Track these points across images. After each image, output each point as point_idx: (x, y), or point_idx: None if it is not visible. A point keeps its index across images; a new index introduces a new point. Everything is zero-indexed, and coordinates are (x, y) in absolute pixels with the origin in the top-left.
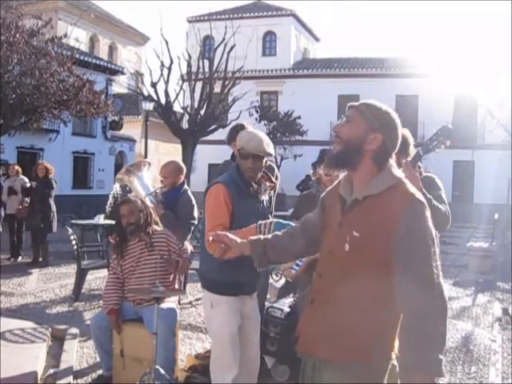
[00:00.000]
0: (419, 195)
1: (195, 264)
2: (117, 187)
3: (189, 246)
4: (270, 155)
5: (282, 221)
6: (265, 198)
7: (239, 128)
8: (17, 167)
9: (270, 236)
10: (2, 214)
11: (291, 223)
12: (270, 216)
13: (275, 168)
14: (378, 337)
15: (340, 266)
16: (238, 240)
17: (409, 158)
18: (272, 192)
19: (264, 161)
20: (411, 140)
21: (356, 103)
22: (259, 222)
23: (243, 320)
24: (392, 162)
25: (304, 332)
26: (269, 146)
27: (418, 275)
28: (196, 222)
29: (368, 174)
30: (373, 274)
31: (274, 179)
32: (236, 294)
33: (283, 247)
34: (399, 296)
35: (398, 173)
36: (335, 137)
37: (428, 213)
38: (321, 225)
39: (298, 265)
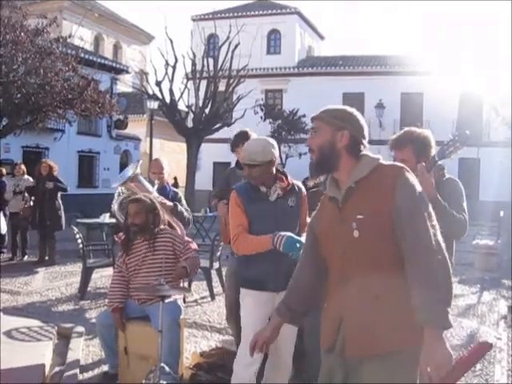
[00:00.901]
0: (401, 165)
1: (201, 262)
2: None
3: (194, 245)
4: (261, 163)
5: (294, 236)
6: (284, 198)
7: (242, 135)
8: (23, 167)
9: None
10: (7, 213)
11: (302, 240)
12: (294, 217)
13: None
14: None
15: (359, 258)
16: (268, 331)
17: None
18: (299, 193)
19: (264, 166)
20: (433, 142)
21: (316, 114)
22: (275, 233)
23: None
24: (367, 151)
25: (353, 334)
26: (257, 154)
27: (418, 237)
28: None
29: (350, 165)
30: (388, 250)
31: (288, 180)
32: (260, 289)
33: (300, 287)
34: (406, 259)
35: (375, 156)
36: (309, 150)
37: (413, 177)
38: (317, 242)
39: None
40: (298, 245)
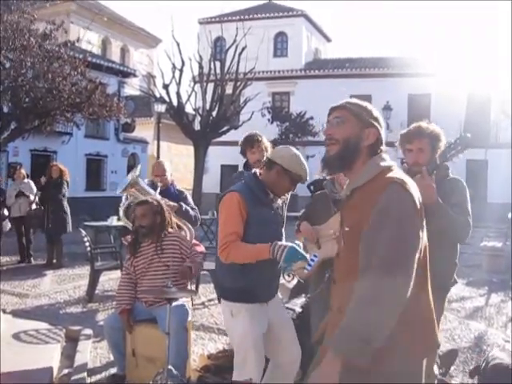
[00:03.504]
0: (398, 178)
1: (208, 265)
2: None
3: (201, 247)
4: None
5: (296, 247)
6: (277, 205)
7: (255, 137)
8: (23, 171)
9: None
10: (6, 214)
11: (304, 253)
12: (283, 224)
13: None
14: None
15: (342, 267)
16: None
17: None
18: (286, 199)
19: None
20: (444, 140)
21: (340, 103)
22: (274, 242)
23: (270, 331)
24: (385, 155)
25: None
26: (308, 174)
27: (372, 257)
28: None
29: (362, 168)
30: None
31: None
32: (254, 301)
33: None
34: (356, 282)
35: (385, 162)
36: (329, 140)
37: (405, 193)
38: None
39: (310, 265)
40: (299, 257)
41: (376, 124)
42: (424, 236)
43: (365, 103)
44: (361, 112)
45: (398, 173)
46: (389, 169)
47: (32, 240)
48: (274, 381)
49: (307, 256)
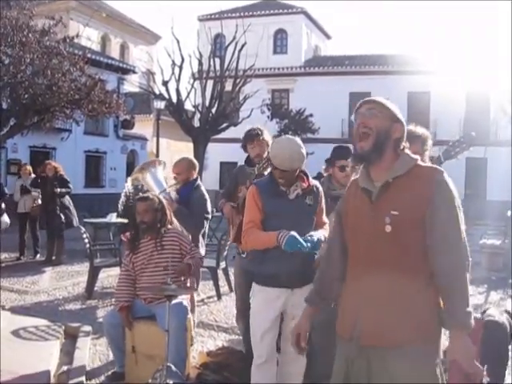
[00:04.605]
0: (443, 171)
1: (207, 262)
2: (129, 186)
3: (202, 248)
4: (297, 168)
5: (297, 236)
6: (303, 196)
7: (256, 132)
8: (28, 167)
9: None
10: (3, 207)
11: (304, 243)
12: (311, 215)
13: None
14: (431, 314)
15: (389, 248)
16: (304, 323)
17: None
18: (317, 192)
19: (297, 170)
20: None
21: (370, 98)
22: (281, 230)
23: (286, 316)
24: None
25: (369, 325)
26: (293, 161)
27: (448, 237)
28: (210, 217)
29: (390, 160)
30: (414, 249)
31: (309, 180)
32: (273, 285)
33: (327, 277)
34: (432, 258)
35: (413, 155)
36: (363, 128)
37: (448, 178)
38: (342, 230)
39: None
40: (298, 245)
41: (401, 121)
42: None
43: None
44: (390, 108)
45: (427, 163)
46: (418, 161)
47: (39, 237)
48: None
49: (306, 246)
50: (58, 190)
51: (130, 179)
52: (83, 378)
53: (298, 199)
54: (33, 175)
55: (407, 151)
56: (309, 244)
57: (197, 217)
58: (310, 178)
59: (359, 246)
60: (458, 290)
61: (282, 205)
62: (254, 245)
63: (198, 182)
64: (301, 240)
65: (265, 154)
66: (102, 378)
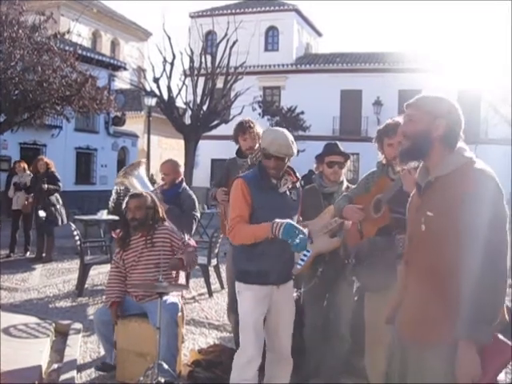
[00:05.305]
0: (488, 171)
1: (199, 259)
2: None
3: (192, 241)
4: (292, 156)
5: (293, 223)
6: (287, 191)
7: (246, 125)
8: (23, 164)
9: None
10: None
11: (301, 228)
12: (295, 211)
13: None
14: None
15: (423, 250)
16: None
17: None
18: (298, 187)
19: (288, 159)
20: None
21: (411, 100)
22: (274, 220)
23: (270, 313)
24: (463, 144)
25: (405, 319)
26: (290, 147)
27: (484, 250)
28: (199, 215)
29: (440, 157)
30: (446, 251)
31: (297, 175)
32: (260, 283)
33: None
34: (464, 269)
35: (468, 153)
36: (403, 136)
37: (497, 187)
38: None
39: (302, 260)
40: (296, 231)
41: (445, 115)
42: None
43: (437, 96)
44: (427, 107)
45: (482, 164)
46: (471, 160)
47: (31, 235)
48: (274, 370)
49: (305, 231)
50: (46, 186)
51: (115, 183)
52: (74, 376)
53: (285, 193)
54: (28, 172)
55: (463, 147)
56: (305, 233)
57: (187, 217)
58: (297, 173)
59: (406, 240)
60: (475, 300)
61: (272, 198)
62: (244, 239)
63: (184, 183)
64: (299, 227)
65: (256, 146)
66: (93, 375)
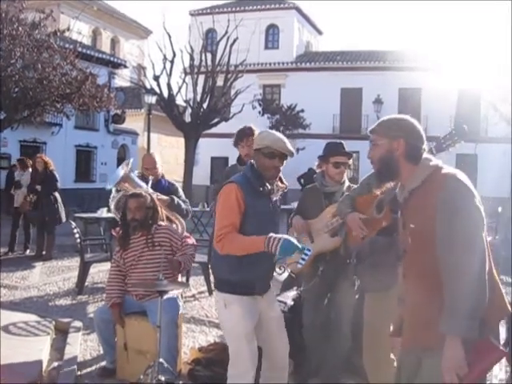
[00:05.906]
0: (455, 174)
1: (198, 257)
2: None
3: (192, 239)
4: (292, 156)
5: (291, 239)
6: (276, 197)
7: (247, 131)
8: (27, 161)
9: None
10: None
11: (299, 245)
12: (279, 215)
13: None
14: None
15: (411, 263)
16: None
17: None
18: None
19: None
20: None
21: (373, 126)
22: (270, 235)
23: (260, 322)
24: (427, 155)
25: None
26: (290, 145)
27: (461, 248)
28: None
29: (409, 172)
30: (431, 261)
31: (285, 182)
32: (248, 294)
33: None
34: (445, 268)
35: (434, 162)
36: (371, 162)
37: (465, 187)
38: None
39: (303, 259)
40: (294, 249)
41: (403, 133)
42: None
43: (394, 117)
44: (385, 130)
45: (449, 168)
46: (438, 167)
47: (31, 233)
48: (270, 375)
49: (302, 247)
50: (39, 187)
51: (114, 191)
52: (74, 374)
53: (275, 200)
54: (30, 169)
55: (428, 156)
56: (300, 247)
57: (185, 203)
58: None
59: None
60: (458, 296)
61: (263, 205)
62: (234, 251)
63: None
64: (297, 243)
65: None
66: (93, 373)
